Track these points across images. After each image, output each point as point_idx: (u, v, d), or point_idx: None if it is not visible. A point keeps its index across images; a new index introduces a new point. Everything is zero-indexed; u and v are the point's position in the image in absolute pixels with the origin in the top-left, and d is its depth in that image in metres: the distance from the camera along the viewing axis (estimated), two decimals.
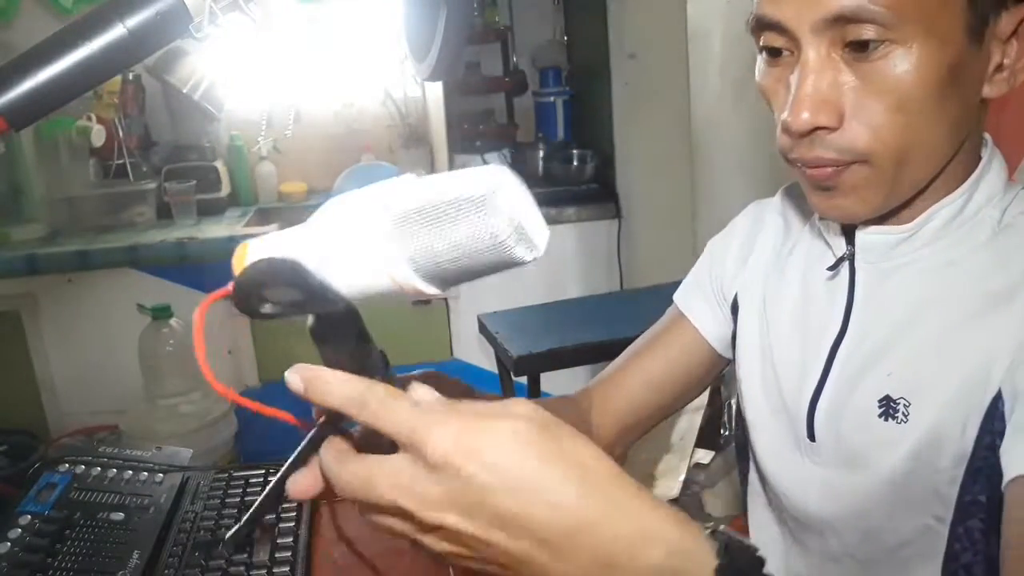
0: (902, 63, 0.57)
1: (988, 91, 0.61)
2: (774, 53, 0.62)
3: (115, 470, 1.00)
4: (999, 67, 0.60)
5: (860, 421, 0.68)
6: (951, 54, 0.57)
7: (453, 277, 0.43)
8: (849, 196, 0.62)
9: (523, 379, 1.91)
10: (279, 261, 0.45)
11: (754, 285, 0.81)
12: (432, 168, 2.86)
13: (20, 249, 2.36)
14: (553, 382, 2.36)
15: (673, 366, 0.87)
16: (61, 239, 2.46)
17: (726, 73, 2.20)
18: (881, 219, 0.66)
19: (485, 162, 2.65)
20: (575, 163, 2.74)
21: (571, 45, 2.95)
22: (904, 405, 0.65)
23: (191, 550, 0.87)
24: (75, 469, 1.00)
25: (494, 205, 0.40)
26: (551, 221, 2.60)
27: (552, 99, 2.89)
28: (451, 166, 2.68)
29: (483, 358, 2.46)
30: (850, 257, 0.70)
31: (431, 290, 0.43)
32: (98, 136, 2.51)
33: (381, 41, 2.78)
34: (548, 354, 1.85)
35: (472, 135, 2.73)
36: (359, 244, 0.43)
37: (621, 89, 2.56)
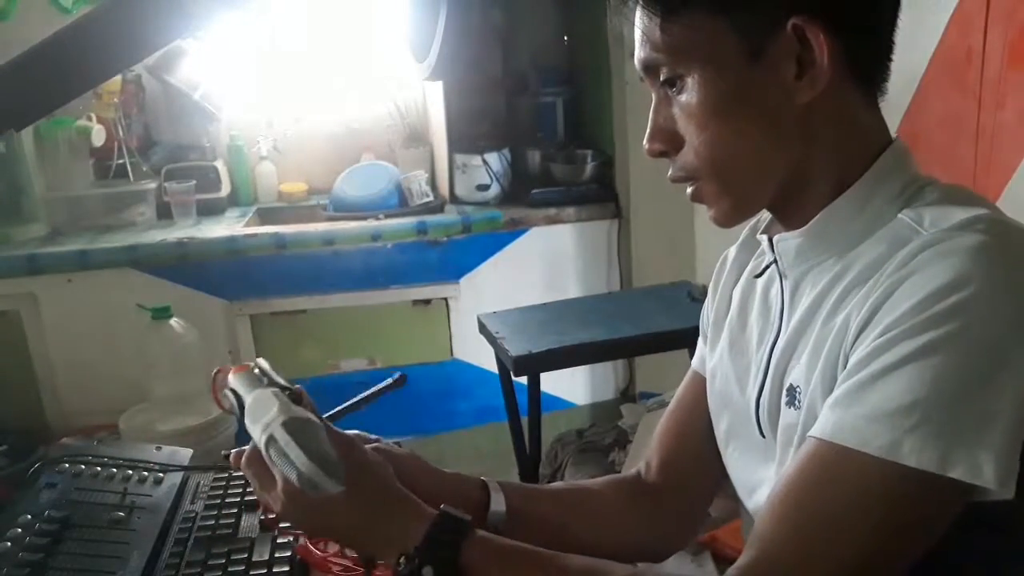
0: (691, 91, 0.68)
1: (800, 98, 0.66)
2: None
3: (115, 470, 1.01)
4: (798, 76, 0.66)
5: (779, 412, 0.72)
6: (731, 77, 0.66)
7: None
8: (710, 208, 0.72)
9: (523, 379, 1.91)
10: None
11: (720, 310, 0.86)
12: (432, 168, 2.86)
13: (20, 249, 2.36)
14: (553, 382, 2.36)
15: (690, 414, 0.91)
16: (61, 239, 2.46)
17: None
18: (788, 224, 0.72)
19: (485, 162, 2.65)
20: (575, 163, 2.74)
21: (571, 45, 2.95)
22: (799, 392, 0.68)
23: (191, 550, 0.88)
24: (75, 469, 1.00)
25: None
26: (551, 221, 2.59)
27: (552, 99, 2.89)
28: (451, 166, 2.68)
29: (483, 358, 2.46)
30: (776, 263, 0.74)
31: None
32: (98, 136, 2.51)
33: (382, 41, 2.78)
34: (548, 354, 1.85)
35: (472, 135, 2.73)
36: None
37: (621, 89, 2.56)
